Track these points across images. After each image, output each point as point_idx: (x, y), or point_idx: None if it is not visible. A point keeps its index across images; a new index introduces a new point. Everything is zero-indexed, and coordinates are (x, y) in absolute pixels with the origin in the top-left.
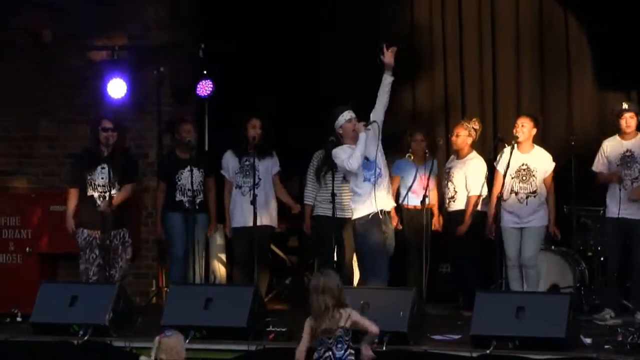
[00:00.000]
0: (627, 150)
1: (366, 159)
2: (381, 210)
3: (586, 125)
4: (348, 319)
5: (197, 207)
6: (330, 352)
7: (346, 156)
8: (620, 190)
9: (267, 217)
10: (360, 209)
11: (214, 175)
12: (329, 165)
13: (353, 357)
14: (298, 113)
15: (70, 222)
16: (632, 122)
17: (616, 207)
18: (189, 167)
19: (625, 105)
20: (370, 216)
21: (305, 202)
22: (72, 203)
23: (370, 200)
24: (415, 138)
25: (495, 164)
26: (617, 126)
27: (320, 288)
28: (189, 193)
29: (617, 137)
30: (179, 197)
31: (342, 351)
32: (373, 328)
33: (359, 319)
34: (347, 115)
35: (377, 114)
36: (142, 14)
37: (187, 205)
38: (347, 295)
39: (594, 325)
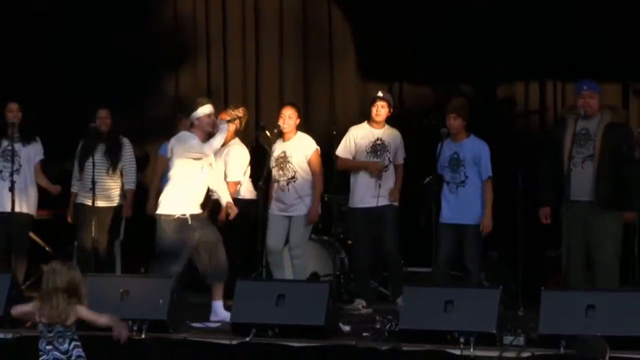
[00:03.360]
0: (377, 139)
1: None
2: (191, 215)
3: (348, 116)
4: (74, 315)
5: None
6: (52, 346)
7: (199, 140)
8: (374, 179)
9: (26, 205)
10: (170, 207)
11: None
12: (89, 153)
13: (81, 350)
14: (64, 98)
15: None
16: (383, 112)
17: (361, 196)
18: None
19: (380, 93)
20: (175, 216)
21: (72, 189)
22: None
23: (186, 202)
24: (182, 123)
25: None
26: (369, 113)
27: (56, 274)
28: None
29: (366, 125)
30: None
31: (66, 345)
32: (103, 320)
33: (86, 314)
34: (208, 109)
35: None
36: None
37: None
38: (106, 283)
39: (353, 313)
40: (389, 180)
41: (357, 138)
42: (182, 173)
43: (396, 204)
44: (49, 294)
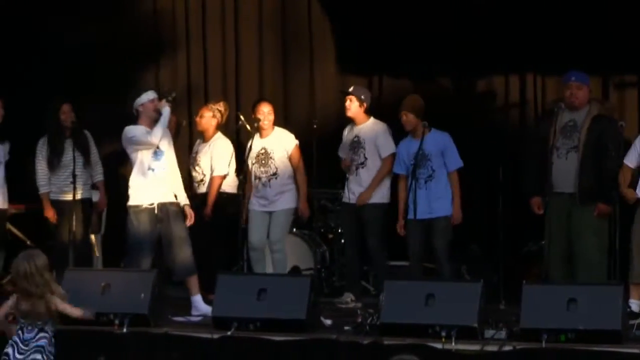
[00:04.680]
0: (355, 136)
1: (157, 147)
2: (159, 203)
3: (328, 109)
4: (48, 306)
5: None
6: (21, 332)
7: (143, 131)
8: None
9: (1, 199)
10: (136, 197)
11: None
12: (64, 149)
13: (46, 341)
14: (37, 95)
15: None
16: (352, 106)
17: (348, 192)
18: None
19: (350, 88)
20: (143, 206)
21: (41, 190)
22: None
23: (149, 191)
24: None
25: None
26: None
27: (26, 272)
28: None
29: (352, 123)
30: None
31: (33, 334)
32: (75, 312)
33: (60, 305)
34: (151, 94)
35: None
36: None
37: None
38: (88, 277)
39: (335, 307)
40: (366, 177)
41: (345, 136)
42: (140, 164)
43: (377, 201)
44: (23, 293)
